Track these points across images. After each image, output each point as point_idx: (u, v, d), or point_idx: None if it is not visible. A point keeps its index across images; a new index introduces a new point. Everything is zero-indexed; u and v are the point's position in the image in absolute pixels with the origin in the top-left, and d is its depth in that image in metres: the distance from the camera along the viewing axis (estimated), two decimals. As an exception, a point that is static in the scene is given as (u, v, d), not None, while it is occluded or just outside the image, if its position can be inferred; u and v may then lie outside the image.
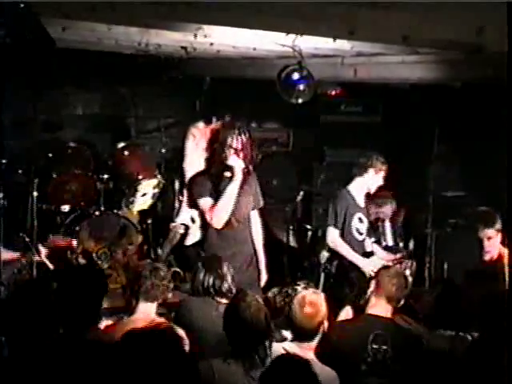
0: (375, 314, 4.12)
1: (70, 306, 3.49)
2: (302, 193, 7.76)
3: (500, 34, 4.36)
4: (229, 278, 4.50)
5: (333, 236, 5.62)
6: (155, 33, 5.57)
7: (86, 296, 3.60)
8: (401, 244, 6.53)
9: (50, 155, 7.42)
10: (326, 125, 8.51)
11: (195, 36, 5.28)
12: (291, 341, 3.86)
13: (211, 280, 4.45)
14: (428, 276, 6.28)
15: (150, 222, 7.36)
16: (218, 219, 5.06)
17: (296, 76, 5.68)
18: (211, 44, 5.96)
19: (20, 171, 7.21)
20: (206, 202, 5.08)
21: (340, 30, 4.87)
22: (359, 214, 5.77)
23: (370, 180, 5.75)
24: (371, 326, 4.00)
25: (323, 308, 3.79)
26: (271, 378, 2.91)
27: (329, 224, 5.62)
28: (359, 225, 5.77)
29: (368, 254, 5.75)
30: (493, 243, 5.01)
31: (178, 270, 7.13)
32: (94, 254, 6.73)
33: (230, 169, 5.04)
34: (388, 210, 7.07)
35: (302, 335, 3.78)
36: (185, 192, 7.12)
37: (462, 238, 6.42)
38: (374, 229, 6.23)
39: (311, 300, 3.79)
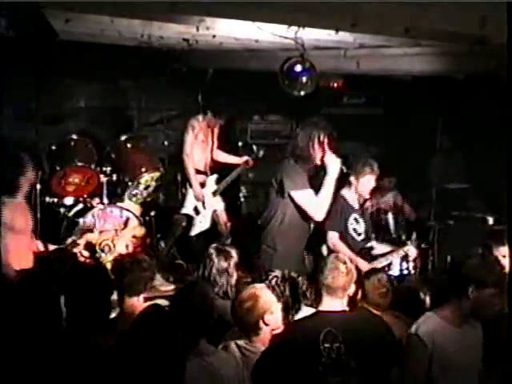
0: (327, 310, 3.83)
1: (79, 306, 3.47)
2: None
3: (502, 26, 4.37)
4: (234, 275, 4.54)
5: (332, 238, 5.65)
6: (158, 25, 5.58)
7: (94, 296, 3.56)
8: (403, 236, 6.52)
9: (53, 148, 7.43)
10: (329, 117, 8.50)
11: (197, 28, 5.29)
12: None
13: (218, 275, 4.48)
14: (431, 268, 6.29)
15: (153, 214, 7.38)
16: (321, 212, 5.16)
17: (298, 68, 5.68)
18: (213, 36, 5.96)
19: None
20: (306, 194, 5.15)
21: (342, 23, 4.87)
22: (354, 215, 5.79)
23: (361, 186, 5.77)
24: (322, 323, 3.72)
25: (261, 301, 3.82)
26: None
27: (327, 227, 5.64)
28: (356, 225, 5.80)
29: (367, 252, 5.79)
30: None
31: (182, 261, 7.18)
32: (97, 247, 6.73)
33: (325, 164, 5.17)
34: (389, 200, 7.10)
35: (243, 329, 3.84)
36: (188, 184, 7.18)
37: (464, 231, 6.45)
38: (376, 221, 6.24)
39: (249, 295, 3.85)
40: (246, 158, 7.43)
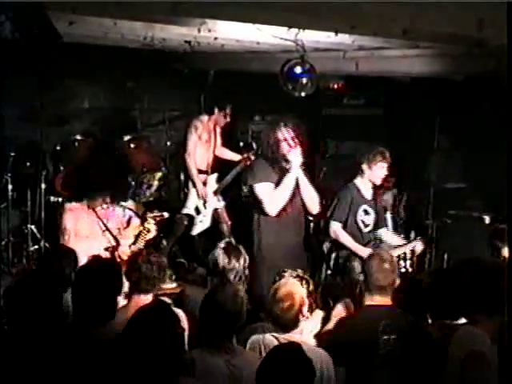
0: (375, 304, 4.00)
1: (86, 302, 3.49)
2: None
3: (501, 27, 4.43)
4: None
5: (334, 228, 5.71)
6: (160, 27, 5.63)
7: (103, 292, 3.58)
8: (401, 235, 6.57)
9: (58, 148, 7.52)
10: (329, 118, 8.58)
11: (199, 30, 5.35)
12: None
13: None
14: (428, 266, 6.35)
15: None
16: (275, 207, 5.19)
17: (299, 70, 5.74)
18: (215, 38, 6.02)
19: (28, 164, 7.30)
20: (265, 186, 5.22)
21: (341, 24, 4.93)
22: (364, 206, 5.84)
23: (373, 174, 5.84)
24: (376, 316, 3.87)
25: (298, 297, 3.81)
26: (267, 370, 2.93)
27: (330, 217, 5.71)
28: (365, 217, 5.85)
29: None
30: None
31: (183, 260, 7.25)
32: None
33: (289, 162, 5.22)
34: (388, 199, 7.15)
35: (282, 326, 3.80)
36: (190, 183, 7.24)
37: (462, 229, 6.51)
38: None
39: (286, 292, 3.81)
40: (245, 154, 7.49)
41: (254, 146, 7.63)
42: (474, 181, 7.20)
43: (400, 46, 6.04)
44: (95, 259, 4.18)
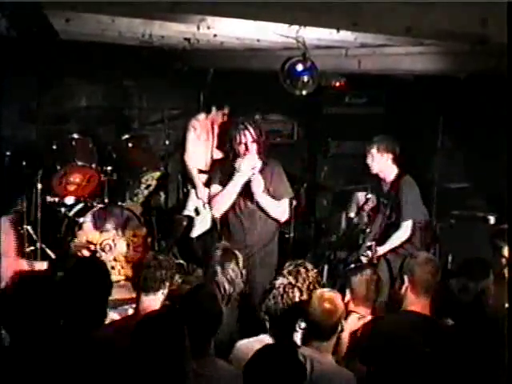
0: (415, 310, 3.98)
1: (76, 304, 3.46)
2: (305, 184, 7.76)
3: (504, 25, 4.36)
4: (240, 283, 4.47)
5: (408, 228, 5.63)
6: (158, 24, 5.57)
7: (92, 293, 3.56)
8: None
9: (54, 147, 7.43)
10: (330, 116, 8.52)
11: (198, 28, 5.28)
12: (306, 341, 3.71)
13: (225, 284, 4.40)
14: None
15: (154, 214, 7.38)
16: (218, 208, 5.23)
17: (300, 67, 5.67)
18: (215, 35, 5.95)
19: (24, 163, 7.23)
20: (213, 188, 5.25)
21: (343, 21, 4.86)
22: None
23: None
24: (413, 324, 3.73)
25: (341, 305, 3.70)
26: (254, 367, 2.88)
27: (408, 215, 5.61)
28: None
29: None
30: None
31: (182, 261, 7.18)
32: (97, 246, 6.74)
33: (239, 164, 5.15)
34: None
35: (319, 332, 3.64)
36: (189, 184, 7.17)
37: (466, 230, 6.45)
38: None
39: (330, 296, 3.68)
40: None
41: None
42: (477, 181, 7.14)
43: (403, 44, 5.98)
44: (81, 261, 4.16)
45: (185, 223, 7.22)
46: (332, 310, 3.63)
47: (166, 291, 4.03)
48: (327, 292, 3.76)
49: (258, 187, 5.20)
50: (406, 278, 4.10)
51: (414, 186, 5.77)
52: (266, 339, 3.75)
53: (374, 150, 5.81)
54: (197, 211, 7.19)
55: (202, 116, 7.15)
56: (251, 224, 5.27)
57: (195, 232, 7.22)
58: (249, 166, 5.15)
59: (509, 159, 3.78)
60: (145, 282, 3.98)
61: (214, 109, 7.08)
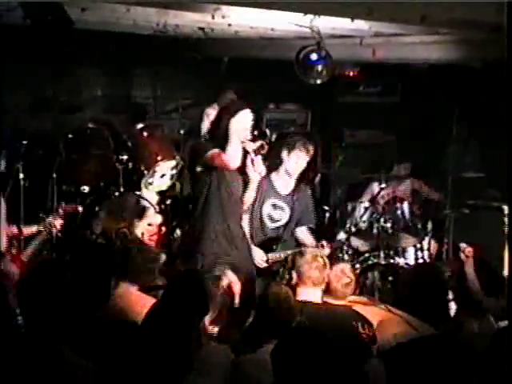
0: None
1: (83, 283, 3.51)
2: (319, 174, 7.76)
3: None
4: None
5: None
6: (173, 13, 5.58)
7: (97, 273, 3.58)
8: (419, 225, 6.48)
9: (70, 136, 7.46)
10: (345, 105, 8.49)
11: (213, 17, 5.29)
12: None
13: None
14: (446, 257, 6.27)
15: (168, 202, 7.40)
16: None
17: (314, 57, 5.67)
18: (229, 25, 5.96)
19: (40, 152, 7.27)
20: (213, 152, 5.05)
21: (358, 10, 4.86)
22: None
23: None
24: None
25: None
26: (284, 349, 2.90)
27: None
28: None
29: None
30: None
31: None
32: (113, 234, 6.77)
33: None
34: (407, 188, 7.07)
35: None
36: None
37: (480, 220, 6.42)
38: (391, 210, 6.20)
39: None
40: (259, 142, 7.41)
41: (268, 133, 7.53)
42: (492, 170, 7.10)
43: (418, 32, 5.96)
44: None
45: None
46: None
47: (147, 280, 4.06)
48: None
49: None
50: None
51: None
52: None
53: None
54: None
55: (216, 105, 7.16)
56: None
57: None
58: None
59: (509, 160, 3.76)
60: (130, 272, 4.00)
61: (228, 97, 7.09)
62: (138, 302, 3.84)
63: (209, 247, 4.85)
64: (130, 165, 7.39)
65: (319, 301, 4.19)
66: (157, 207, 7.08)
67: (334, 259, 4.97)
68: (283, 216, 5.82)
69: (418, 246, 5.90)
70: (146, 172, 7.33)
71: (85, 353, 3.01)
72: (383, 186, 5.95)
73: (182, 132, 8.03)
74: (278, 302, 3.65)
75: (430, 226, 6.30)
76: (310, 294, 4.16)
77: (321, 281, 4.18)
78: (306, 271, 4.17)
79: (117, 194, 7.03)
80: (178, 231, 7.35)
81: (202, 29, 6.42)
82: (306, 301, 4.12)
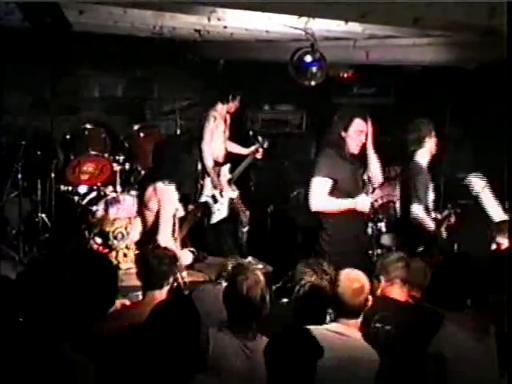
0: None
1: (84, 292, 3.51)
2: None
3: (512, 15, 4.40)
4: None
5: (417, 211, 5.66)
6: (169, 16, 5.63)
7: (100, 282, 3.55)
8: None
9: (68, 137, 7.54)
10: (339, 106, 8.54)
11: (209, 19, 5.34)
12: (335, 319, 3.80)
13: None
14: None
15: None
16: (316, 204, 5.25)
17: (309, 58, 5.71)
18: (225, 27, 6.01)
19: (38, 153, 7.33)
20: (321, 181, 5.24)
21: (352, 13, 4.90)
22: (431, 185, 5.88)
23: (428, 149, 5.87)
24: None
25: (367, 283, 3.79)
26: (274, 349, 3.00)
27: (412, 200, 5.65)
28: (432, 196, 5.86)
29: None
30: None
31: (193, 249, 7.26)
32: (110, 234, 6.83)
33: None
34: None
35: (348, 312, 3.72)
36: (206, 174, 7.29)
37: (471, 219, 6.47)
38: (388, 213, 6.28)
39: (356, 276, 3.78)
40: (254, 147, 7.51)
41: (260, 139, 7.61)
42: (485, 171, 7.14)
43: (411, 35, 6.01)
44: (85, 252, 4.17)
45: (199, 214, 7.29)
46: (360, 289, 3.72)
47: (170, 283, 4.06)
48: (352, 272, 3.84)
49: None
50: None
51: None
52: (334, 327, 3.73)
53: None
54: (214, 199, 7.32)
55: (219, 106, 7.25)
56: None
57: (214, 219, 7.35)
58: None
59: (508, 160, 3.82)
60: (150, 279, 4.01)
61: (230, 99, 7.19)
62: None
63: None
64: (127, 165, 7.46)
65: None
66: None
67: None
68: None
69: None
70: (142, 172, 7.39)
71: (90, 352, 3.06)
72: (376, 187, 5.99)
73: (178, 133, 8.10)
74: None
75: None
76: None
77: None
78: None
79: (114, 194, 7.09)
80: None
81: (198, 31, 6.47)
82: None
